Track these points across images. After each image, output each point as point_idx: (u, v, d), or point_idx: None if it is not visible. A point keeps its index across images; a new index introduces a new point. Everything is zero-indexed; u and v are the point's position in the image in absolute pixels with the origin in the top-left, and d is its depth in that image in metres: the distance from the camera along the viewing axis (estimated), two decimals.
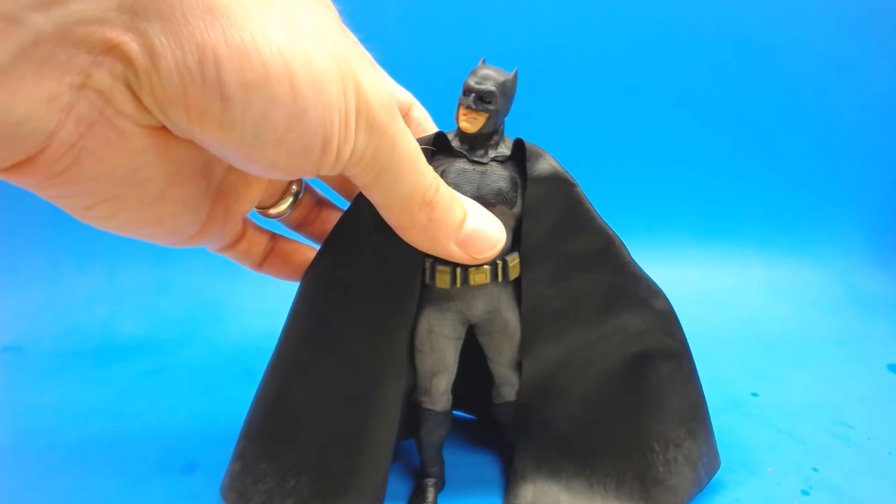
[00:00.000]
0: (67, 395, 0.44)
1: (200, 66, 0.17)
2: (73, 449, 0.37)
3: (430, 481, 0.32)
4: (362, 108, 0.20)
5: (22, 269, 0.62)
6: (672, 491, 0.30)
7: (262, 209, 0.30)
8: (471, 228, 0.25)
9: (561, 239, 0.29)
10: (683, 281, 0.64)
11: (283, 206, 0.30)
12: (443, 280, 0.29)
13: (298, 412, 0.29)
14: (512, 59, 0.29)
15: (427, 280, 0.29)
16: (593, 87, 0.67)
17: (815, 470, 0.34)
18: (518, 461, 0.31)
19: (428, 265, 0.28)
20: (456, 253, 0.25)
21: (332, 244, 0.29)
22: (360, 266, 0.28)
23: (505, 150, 0.28)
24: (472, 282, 0.28)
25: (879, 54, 0.69)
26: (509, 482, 0.31)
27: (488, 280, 0.29)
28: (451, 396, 0.32)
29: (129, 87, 0.17)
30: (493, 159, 0.28)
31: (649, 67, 0.68)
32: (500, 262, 0.28)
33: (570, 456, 0.31)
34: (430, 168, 0.24)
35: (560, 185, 0.28)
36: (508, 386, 0.31)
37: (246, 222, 0.30)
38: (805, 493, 0.32)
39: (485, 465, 0.35)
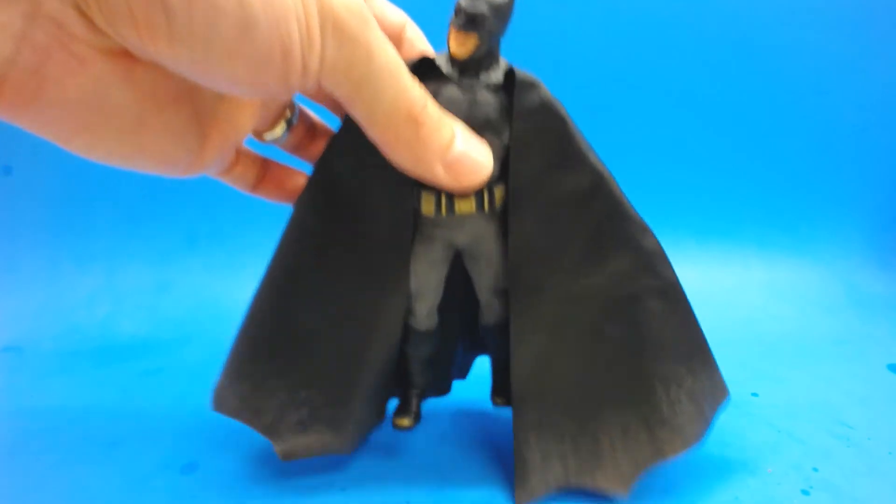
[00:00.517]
0: (67, 395, 0.44)
1: None
2: (73, 449, 0.37)
3: (415, 392, 0.34)
4: (326, 14, 0.20)
5: (22, 269, 0.62)
6: (678, 430, 0.29)
7: (258, 134, 0.30)
8: (459, 151, 0.24)
9: (549, 177, 0.28)
10: (683, 281, 0.64)
11: (278, 130, 0.30)
12: (427, 206, 0.28)
13: (303, 329, 0.30)
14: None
15: (413, 204, 0.28)
16: (593, 87, 0.67)
17: (815, 470, 0.34)
18: (519, 430, 0.30)
19: (415, 192, 0.28)
20: (442, 176, 0.24)
21: (326, 164, 0.28)
22: (354, 185, 0.28)
23: (497, 76, 0.27)
24: (457, 210, 0.28)
25: (879, 54, 0.70)
26: (515, 455, 0.30)
27: (473, 209, 0.28)
28: (436, 317, 0.32)
29: (79, 11, 0.17)
30: (485, 86, 0.27)
31: (649, 67, 0.68)
32: (486, 192, 0.28)
33: (571, 413, 0.30)
34: (416, 83, 0.23)
35: (548, 119, 0.27)
36: (489, 310, 0.32)
37: (239, 148, 0.30)
38: (805, 492, 0.32)
39: (496, 453, 0.35)
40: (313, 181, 0.29)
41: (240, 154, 0.30)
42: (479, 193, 0.28)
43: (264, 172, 0.32)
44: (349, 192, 0.28)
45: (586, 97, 0.67)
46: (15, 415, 0.42)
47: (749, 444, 0.37)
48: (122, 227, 0.64)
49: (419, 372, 0.34)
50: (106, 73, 0.19)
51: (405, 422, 0.33)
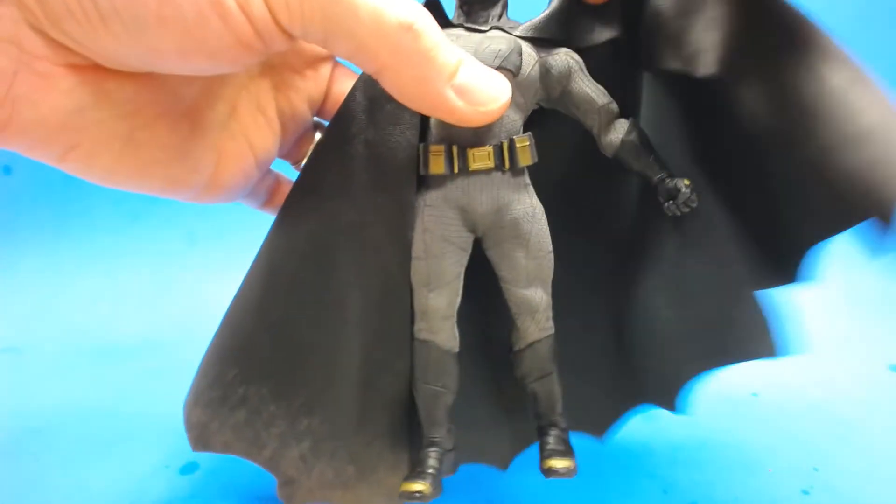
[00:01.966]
0: (67, 395, 0.44)
1: None
2: (73, 449, 0.37)
3: (433, 451, 0.25)
4: None
5: (22, 269, 0.62)
6: None
7: (295, 163, 0.30)
8: (470, 73, 0.21)
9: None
10: None
11: (308, 153, 0.30)
12: (437, 163, 0.23)
13: (303, 346, 0.25)
14: None
15: (421, 169, 0.24)
16: None
17: (816, 470, 0.34)
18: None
19: (421, 150, 0.24)
20: (454, 102, 0.21)
21: (324, 150, 0.25)
22: (352, 170, 0.24)
23: (508, 22, 0.24)
24: (471, 165, 0.23)
25: (879, 54, 0.69)
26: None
27: (491, 163, 0.23)
28: (457, 334, 0.25)
29: (33, 28, 0.18)
30: (495, 27, 0.24)
31: None
32: (505, 142, 0.23)
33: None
34: None
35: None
36: (529, 317, 0.24)
37: (278, 178, 0.30)
38: (805, 492, 0.32)
39: None
40: (310, 169, 0.25)
41: (279, 183, 0.30)
42: (496, 145, 0.23)
43: None
44: (349, 177, 0.25)
45: None
46: (15, 415, 0.42)
47: (749, 444, 0.37)
48: (122, 227, 0.64)
49: (437, 420, 0.25)
50: (76, 89, 0.19)
51: (417, 486, 0.23)
